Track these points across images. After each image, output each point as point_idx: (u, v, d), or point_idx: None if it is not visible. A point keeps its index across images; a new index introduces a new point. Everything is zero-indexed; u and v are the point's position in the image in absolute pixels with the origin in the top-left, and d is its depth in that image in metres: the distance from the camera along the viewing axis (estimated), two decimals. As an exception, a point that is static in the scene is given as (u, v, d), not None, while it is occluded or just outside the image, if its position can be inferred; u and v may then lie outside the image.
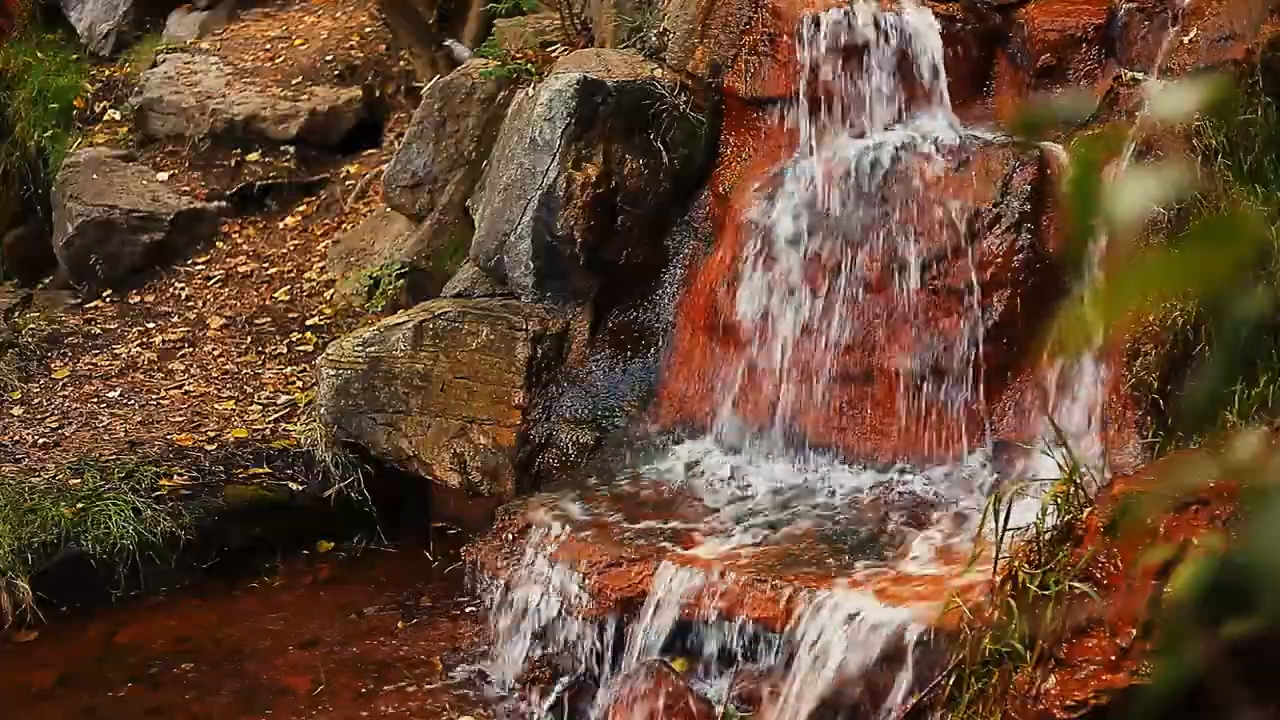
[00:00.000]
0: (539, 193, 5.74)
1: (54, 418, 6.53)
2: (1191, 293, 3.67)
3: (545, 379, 5.71)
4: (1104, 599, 3.71)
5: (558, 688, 4.86)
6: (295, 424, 6.32)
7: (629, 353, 5.79)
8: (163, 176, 8.18)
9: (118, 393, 6.74)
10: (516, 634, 5.00)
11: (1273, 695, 3.41)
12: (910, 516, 4.93)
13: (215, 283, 7.64)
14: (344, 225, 7.79)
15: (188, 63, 8.71)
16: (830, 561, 4.68)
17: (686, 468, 5.37)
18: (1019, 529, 4.08)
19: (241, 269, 7.71)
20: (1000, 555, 4.07)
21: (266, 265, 7.71)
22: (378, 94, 8.42)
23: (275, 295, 7.46)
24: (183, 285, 7.66)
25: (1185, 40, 5.14)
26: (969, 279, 5.12)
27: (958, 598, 4.13)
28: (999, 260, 5.11)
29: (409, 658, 5.22)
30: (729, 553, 4.79)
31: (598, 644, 4.81)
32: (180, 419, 6.46)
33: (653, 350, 5.78)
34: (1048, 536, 3.95)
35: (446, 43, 8.00)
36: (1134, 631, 3.64)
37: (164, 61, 8.76)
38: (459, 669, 5.13)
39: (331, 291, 7.33)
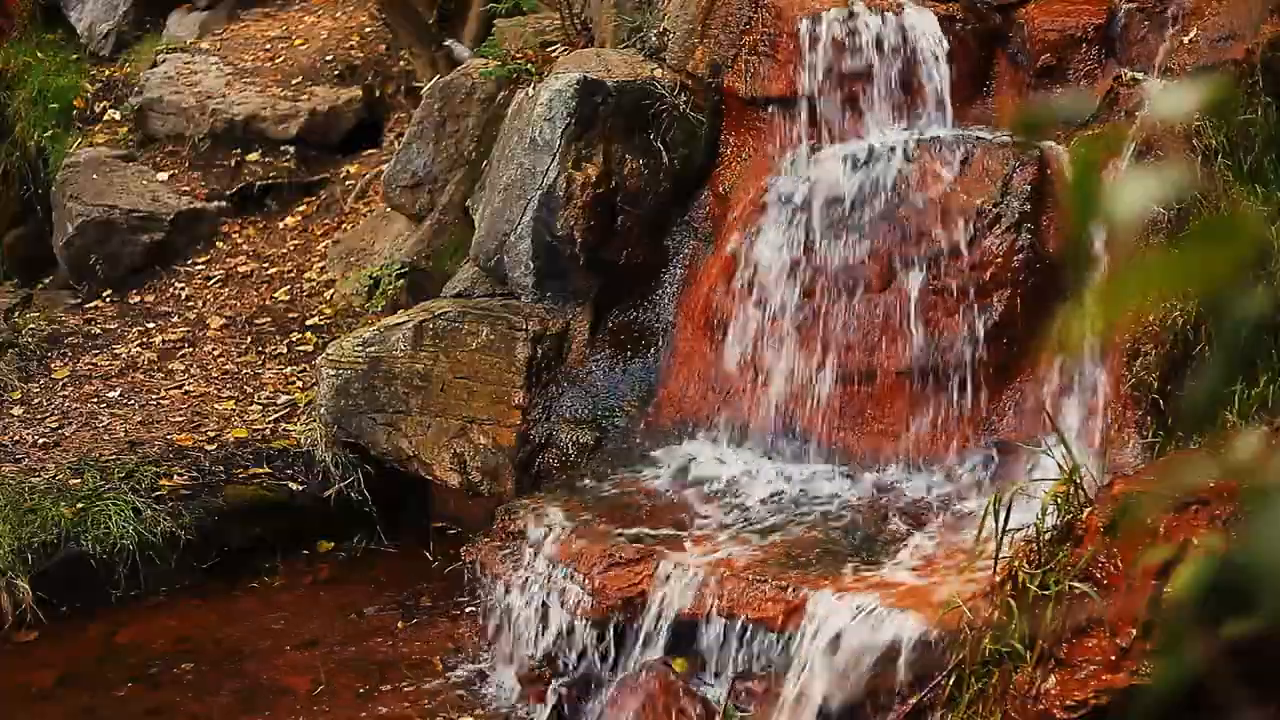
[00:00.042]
0: (539, 193, 5.74)
1: (54, 418, 6.53)
2: (1191, 293, 3.67)
3: (545, 379, 5.71)
4: (1104, 599, 3.71)
5: (558, 687, 4.86)
6: (295, 424, 6.33)
7: (629, 353, 5.79)
8: (163, 176, 8.18)
9: (118, 393, 6.74)
10: (516, 634, 5.00)
11: (1273, 695, 3.41)
12: (910, 516, 4.93)
13: (215, 283, 7.64)
14: (344, 225, 7.79)
15: (188, 63, 8.71)
16: (830, 561, 4.68)
17: (687, 468, 5.37)
18: (1019, 529, 4.08)
19: (241, 269, 7.72)
20: (1000, 555, 4.07)
21: (266, 265, 7.71)
22: (378, 94, 8.42)
23: (275, 295, 7.46)
24: (183, 285, 7.67)
25: (1185, 40, 5.13)
26: (969, 279, 5.12)
27: (958, 598, 4.13)
28: (999, 260, 5.11)
29: (409, 658, 5.22)
30: (729, 553, 4.79)
31: (598, 644, 4.81)
32: (180, 419, 6.47)
33: (653, 350, 5.78)
34: (1048, 536, 3.95)
35: (446, 43, 8.00)
36: (1134, 631, 3.64)
37: (164, 61, 8.76)
38: (459, 669, 5.13)
39: (331, 291, 7.33)
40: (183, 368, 6.96)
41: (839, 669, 4.29)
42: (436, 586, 5.63)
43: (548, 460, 5.63)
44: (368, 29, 8.75)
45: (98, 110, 8.76)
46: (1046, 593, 3.84)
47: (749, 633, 4.54)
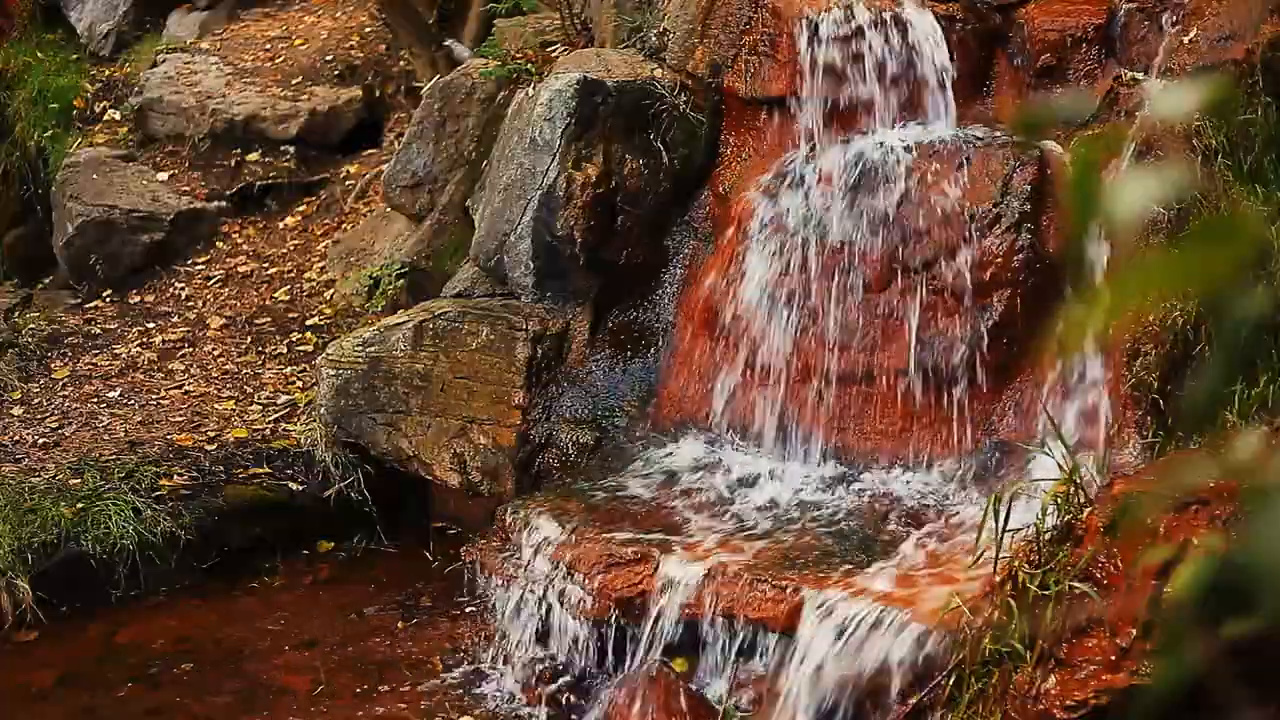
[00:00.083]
0: (539, 193, 5.74)
1: (54, 418, 6.53)
2: (1191, 293, 3.66)
3: (545, 379, 5.71)
4: (1104, 599, 3.71)
5: (558, 688, 4.86)
6: (295, 424, 6.32)
7: (629, 353, 5.79)
8: (163, 176, 8.18)
9: (118, 393, 6.74)
10: (516, 634, 5.00)
11: (1273, 695, 3.41)
12: (910, 517, 4.93)
13: (215, 283, 7.64)
14: (344, 225, 7.79)
15: (188, 63, 8.71)
16: (830, 561, 4.68)
17: (687, 467, 5.37)
18: (1019, 529, 4.08)
19: (241, 269, 7.72)
20: (1000, 555, 4.07)
21: (266, 265, 7.71)
22: (378, 94, 8.43)
23: (275, 295, 7.46)
24: (183, 285, 7.67)
25: (1185, 40, 5.13)
26: (969, 279, 5.12)
27: (958, 598, 4.13)
28: (999, 260, 5.11)
29: (409, 658, 5.22)
30: (729, 552, 4.79)
31: (598, 644, 4.81)
32: (180, 419, 6.46)
33: (653, 350, 5.78)
34: (1048, 536, 3.95)
35: (446, 43, 8.00)
36: (1134, 631, 3.64)
37: (164, 61, 8.76)
38: (459, 669, 5.13)
39: (331, 291, 7.33)
40: (183, 368, 6.96)
41: (838, 669, 4.29)
42: (436, 586, 5.63)
43: (548, 460, 5.63)
44: (368, 29, 8.75)
45: (98, 110, 8.76)
46: (1046, 593, 3.84)
47: (749, 633, 4.54)
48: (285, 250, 7.81)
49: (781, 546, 4.80)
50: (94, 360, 7.07)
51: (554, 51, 6.38)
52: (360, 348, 5.89)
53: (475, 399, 5.72)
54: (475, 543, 5.30)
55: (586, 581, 4.80)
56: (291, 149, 8.21)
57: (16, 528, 5.49)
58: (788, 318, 5.37)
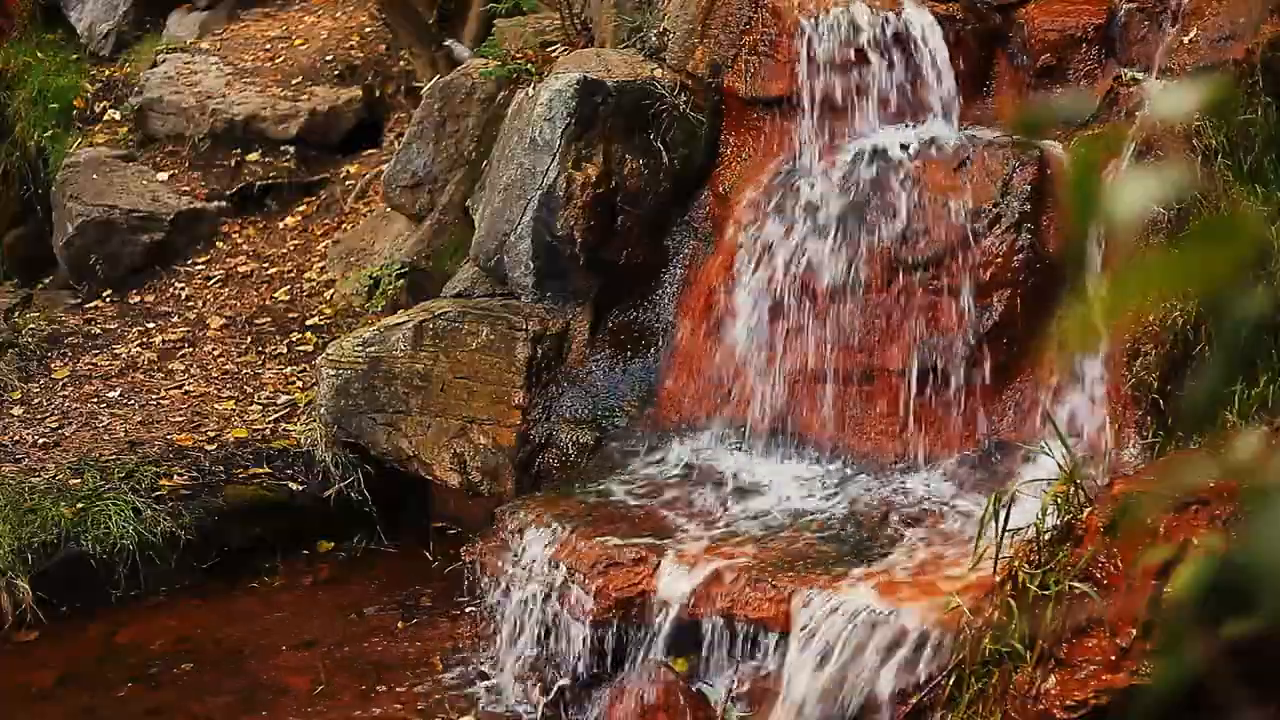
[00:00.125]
0: (539, 193, 5.74)
1: (54, 418, 6.53)
2: (1191, 293, 3.66)
3: (545, 379, 5.71)
4: (1104, 599, 3.71)
5: (557, 688, 4.86)
6: (295, 424, 6.33)
7: (629, 353, 5.79)
8: (163, 176, 8.18)
9: (118, 393, 6.74)
10: (516, 634, 5.00)
11: (1273, 695, 3.41)
12: (910, 516, 4.93)
13: (215, 283, 7.64)
14: (344, 225, 7.79)
15: (188, 63, 8.71)
16: (830, 561, 4.68)
17: (687, 467, 5.37)
18: (1019, 529, 4.08)
19: (241, 269, 7.72)
20: (1000, 555, 4.07)
21: (266, 265, 7.71)
22: (378, 94, 8.43)
23: (275, 295, 7.46)
24: (183, 285, 7.67)
25: (1185, 40, 5.13)
26: (969, 279, 5.12)
27: (958, 598, 4.13)
28: (999, 260, 5.11)
29: (409, 658, 5.22)
30: (729, 552, 4.78)
31: (597, 644, 4.81)
32: (180, 419, 6.47)
33: (653, 350, 5.78)
34: (1048, 536, 3.95)
35: (446, 43, 8.00)
36: (1134, 631, 3.64)
37: (164, 61, 8.76)
38: (459, 669, 5.13)
39: (331, 291, 7.33)
40: (183, 368, 6.96)
41: (838, 669, 4.29)
42: (436, 586, 5.63)
43: (548, 460, 5.63)
44: (368, 29, 8.76)
45: (98, 110, 8.76)
46: (1046, 593, 3.83)
47: (748, 632, 4.54)
48: (285, 250, 7.81)
49: (781, 546, 4.80)
50: (94, 360, 7.07)
51: (554, 51, 6.38)
52: (360, 348, 5.89)
53: (475, 399, 5.72)
54: (475, 543, 5.30)
55: (586, 582, 4.80)
56: (291, 149, 8.21)
57: (16, 528, 5.49)
58: (787, 318, 5.37)
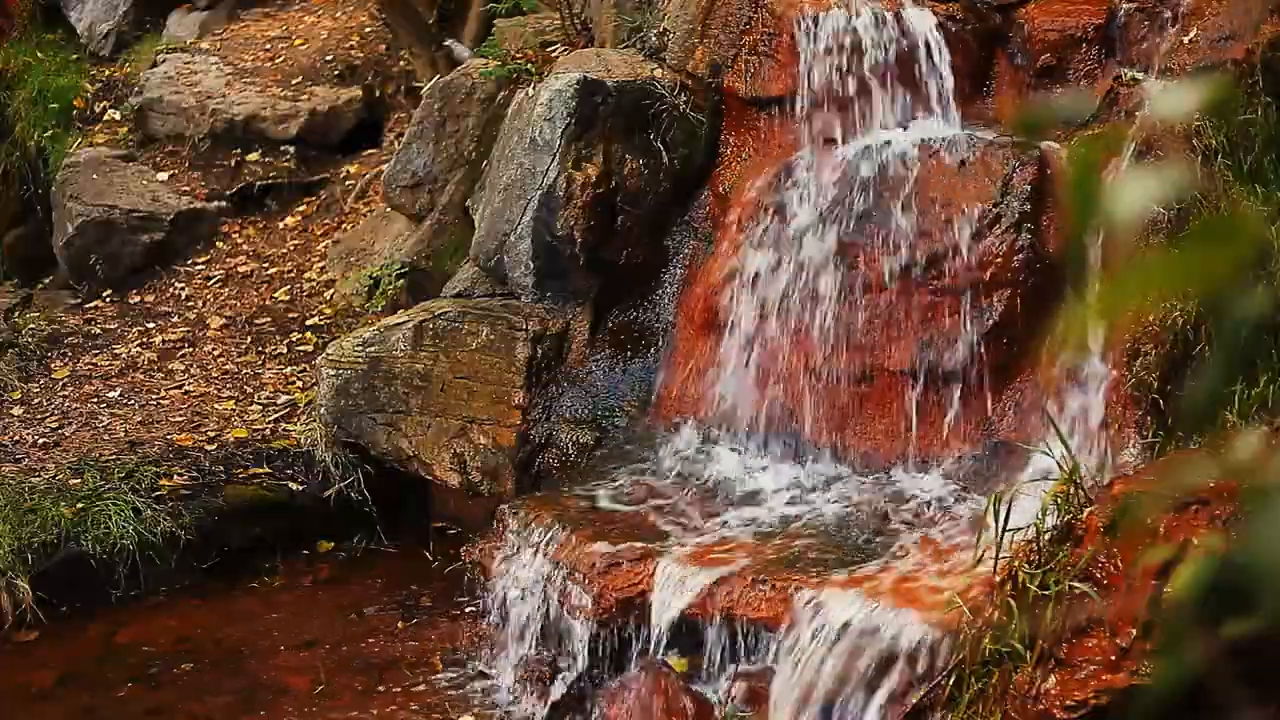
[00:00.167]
0: (539, 193, 5.74)
1: (54, 418, 6.53)
2: (1191, 293, 3.67)
3: (545, 379, 5.71)
4: (1104, 599, 3.71)
5: (557, 688, 4.86)
6: (295, 424, 6.33)
7: (629, 353, 5.79)
8: (163, 176, 8.18)
9: (118, 393, 6.74)
10: (516, 634, 5.00)
11: (1273, 695, 3.40)
12: (910, 517, 4.93)
13: (215, 283, 7.64)
14: (344, 225, 7.79)
15: (188, 63, 8.71)
16: (830, 561, 4.68)
17: (686, 468, 5.37)
18: (1019, 529, 4.07)
19: (241, 269, 7.72)
20: (1000, 555, 4.07)
21: (266, 265, 7.71)
22: (378, 94, 8.43)
23: (275, 295, 7.46)
24: (183, 285, 7.67)
25: (1185, 40, 5.13)
26: (969, 279, 5.12)
27: (958, 598, 4.13)
28: (999, 260, 5.11)
29: (409, 658, 5.22)
30: (729, 552, 4.78)
31: (597, 644, 4.81)
32: (180, 419, 6.47)
33: (653, 350, 5.78)
34: (1048, 536, 3.95)
35: (446, 43, 8.00)
36: (1134, 631, 3.64)
37: (164, 61, 8.76)
38: (459, 669, 5.13)
39: (331, 291, 7.33)
40: (183, 368, 6.96)
41: (838, 669, 4.29)
42: (436, 586, 5.63)
43: (548, 460, 5.63)
44: (368, 29, 8.76)
45: (98, 110, 8.77)
46: (1046, 593, 3.83)
47: (748, 633, 4.54)
48: (285, 250, 7.81)
49: (781, 546, 4.80)
50: (94, 360, 7.07)
51: (554, 51, 6.38)
52: (360, 348, 5.89)
53: (475, 399, 5.72)
54: (475, 543, 5.30)
55: (586, 582, 4.80)
56: (291, 149, 8.21)
57: (16, 528, 5.49)
58: (787, 318, 5.37)
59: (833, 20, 5.51)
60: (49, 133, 8.57)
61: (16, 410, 6.60)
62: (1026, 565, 3.93)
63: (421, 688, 5.03)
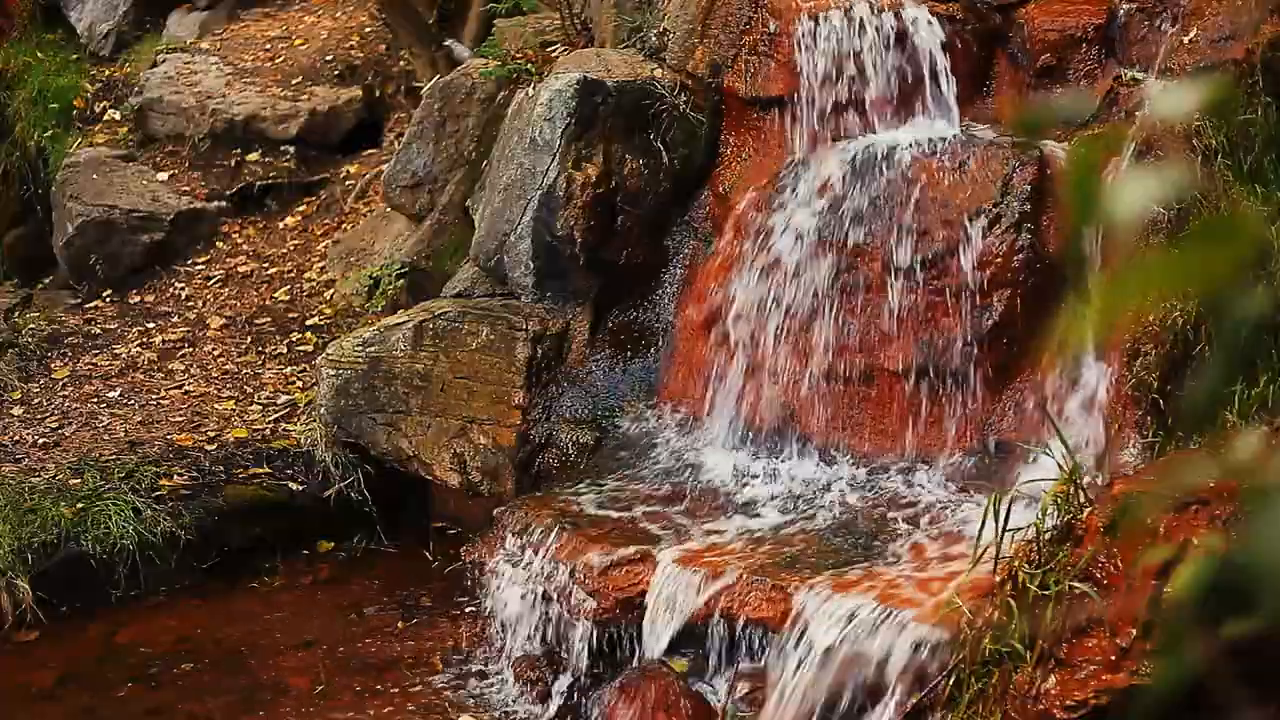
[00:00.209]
0: (539, 193, 5.74)
1: (54, 418, 6.53)
2: (1191, 293, 3.66)
3: (545, 379, 5.71)
4: (1104, 599, 3.71)
5: (557, 688, 4.86)
6: (295, 424, 6.33)
7: (629, 353, 5.79)
8: (163, 176, 8.18)
9: (118, 393, 6.74)
10: (516, 634, 5.00)
11: (1273, 695, 3.40)
12: (910, 517, 4.93)
13: (215, 283, 7.64)
14: (344, 225, 7.80)
15: (188, 63, 8.71)
16: (830, 561, 4.68)
17: (686, 468, 5.37)
18: (1019, 529, 4.07)
19: (241, 269, 7.72)
20: (1000, 555, 4.07)
21: (266, 265, 7.71)
22: (378, 94, 8.43)
23: (275, 295, 7.46)
24: (183, 285, 7.67)
25: (1185, 40, 5.13)
26: (969, 279, 5.12)
27: (958, 598, 4.13)
28: (999, 260, 5.11)
29: (409, 658, 5.22)
30: (729, 552, 4.78)
31: (597, 644, 4.81)
32: (180, 419, 6.47)
33: (653, 350, 5.78)
34: (1048, 536, 3.95)
35: (446, 43, 8.01)
36: (1134, 631, 3.64)
37: (164, 61, 8.76)
38: (459, 669, 5.13)
39: (331, 291, 7.33)
40: (183, 368, 6.97)
41: (838, 669, 4.29)
42: (436, 586, 5.63)
43: (548, 460, 5.63)
44: (368, 29, 8.76)
45: (98, 110, 8.77)
46: (1046, 593, 3.83)
47: (748, 633, 4.54)
48: (285, 250, 7.81)
49: (781, 546, 4.80)
50: (94, 360, 7.07)
51: (554, 51, 6.38)
52: (360, 348, 5.89)
53: (475, 399, 5.72)
54: (475, 543, 5.30)
55: (586, 581, 4.80)
56: (291, 149, 8.22)
57: (16, 528, 5.49)
58: (787, 318, 5.37)
59: (832, 20, 5.51)
60: (49, 133, 8.57)
61: (16, 410, 6.61)
62: (1026, 565, 3.93)
63: (421, 688, 5.03)
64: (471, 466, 5.69)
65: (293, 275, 7.59)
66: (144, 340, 7.23)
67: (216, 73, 8.62)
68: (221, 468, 6.04)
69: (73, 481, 5.84)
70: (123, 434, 6.32)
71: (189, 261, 7.80)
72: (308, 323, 7.19)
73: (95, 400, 6.68)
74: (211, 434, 6.31)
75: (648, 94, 5.78)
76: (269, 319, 7.27)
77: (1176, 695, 1.60)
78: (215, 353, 7.06)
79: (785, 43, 5.59)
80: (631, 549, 4.83)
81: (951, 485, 5.05)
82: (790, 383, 5.36)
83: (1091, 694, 3.71)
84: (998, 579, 4.04)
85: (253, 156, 8.20)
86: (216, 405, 6.58)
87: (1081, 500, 3.99)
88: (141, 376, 6.91)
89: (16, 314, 7.45)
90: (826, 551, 4.76)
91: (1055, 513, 4.00)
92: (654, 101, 5.78)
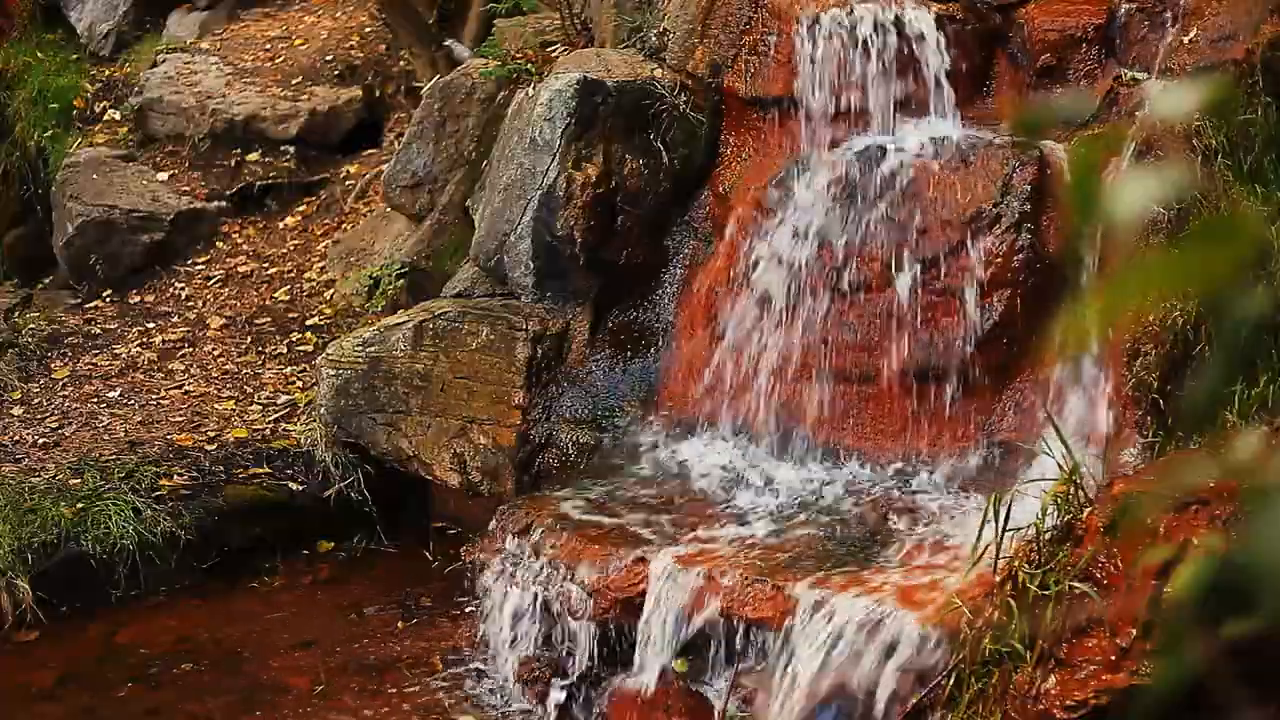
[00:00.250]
0: (539, 193, 5.74)
1: (54, 418, 6.53)
2: (1191, 293, 3.66)
3: (545, 379, 5.71)
4: (1104, 599, 3.71)
5: (557, 687, 4.86)
6: (295, 424, 6.33)
7: (629, 353, 5.79)
8: (163, 176, 8.18)
9: (118, 393, 6.74)
10: (516, 634, 5.00)
11: (1273, 695, 3.40)
12: (910, 516, 4.93)
13: (215, 283, 7.64)
14: (344, 225, 7.80)
15: (188, 63, 8.71)
16: (829, 561, 4.68)
17: (686, 468, 5.37)
18: (1019, 529, 4.07)
19: (241, 269, 7.72)
20: (1000, 555, 4.07)
21: (266, 265, 7.71)
22: (378, 94, 8.43)
23: (275, 295, 7.46)
24: (183, 285, 7.67)
25: (1185, 40, 5.13)
26: (969, 279, 5.12)
27: (958, 598, 4.13)
28: (999, 260, 5.11)
29: (409, 658, 5.22)
30: (728, 552, 4.78)
31: (597, 644, 4.81)
32: (180, 419, 6.47)
33: (653, 350, 5.78)
34: (1048, 536, 3.95)
35: (446, 43, 8.01)
36: (1134, 631, 3.64)
37: (164, 61, 8.76)
38: (459, 669, 5.13)
39: (331, 291, 7.33)
40: (183, 368, 6.97)
41: (838, 669, 4.29)
42: (436, 586, 5.63)
43: (548, 460, 5.63)
44: (368, 29, 8.76)
45: (98, 110, 8.77)
46: (1046, 593, 3.83)
47: (748, 633, 4.54)
48: (285, 250, 7.81)
49: (781, 546, 4.80)
50: (94, 360, 7.07)
51: (554, 51, 6.38)
52: (360, 348, 5.89)
53: (475, 399, 5.72)
54: (475, 543, 5.30)
55: (586, 581, 4.80)
56: (291, 149, 8.22)
57: (16, 528, 5.49)
58: (787, 318, 5.37)
59: (832, 20, 5.51)
60: (49, 133, 8.57)
61: (16, 410, 6.61)
62: (1026, 565, 3.93)
63: (420, 688, 5.03)
64: (471, 466, 5.69)
65: (293, 275, 7.59)
66: (144, 340, 7.23)
67: (216, 73, 8.62)
68: (221, 468, 6.04)
69: (73, 481, 5.84)
70: (123, 434, 6.32)
71: (189, 261, 7.80)
72: (308, 323, 7.19)
73: (95, 400, 6.68)
74: (211, 434, 6.31)
75: (648, 94, 5.78)
76: (269, 319, 7.27)
77: (1176, 695, 1.60)
78: (215, 353, 7.06)
79: (785, 43, 5.59)
80: (631, 549, 4.83)
81: (952, 485, 5.05)
82: (790, 382, 5.36)
83: (1091, 694, 3.71)
84: (998, 579, 4.04)
85: (253, 156, 8.20)
86: (216, 405, 6.58)
87: (1081, 500, 3.99)
88: (141, 376, 6.91)
89: (16, 314, 7.45)
90: (826, 551, 4.76)
91: (1055, 512, 4.00)
92: (654, 101, 5.78)
